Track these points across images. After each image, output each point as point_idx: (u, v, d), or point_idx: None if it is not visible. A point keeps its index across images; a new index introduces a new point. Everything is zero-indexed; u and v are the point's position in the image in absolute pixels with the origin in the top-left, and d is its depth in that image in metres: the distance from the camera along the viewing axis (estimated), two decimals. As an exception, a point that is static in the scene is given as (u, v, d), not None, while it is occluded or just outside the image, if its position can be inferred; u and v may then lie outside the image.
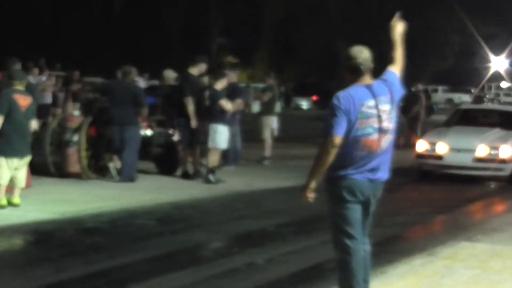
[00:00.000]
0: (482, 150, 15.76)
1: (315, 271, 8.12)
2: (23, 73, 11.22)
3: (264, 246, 9.26)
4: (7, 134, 10.65)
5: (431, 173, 16.53)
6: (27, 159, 10.85)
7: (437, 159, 16.15)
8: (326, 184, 6.06)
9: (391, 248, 9.57)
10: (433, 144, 16.22)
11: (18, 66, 14.10)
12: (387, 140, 5.95)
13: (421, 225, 11.46)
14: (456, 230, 10.80)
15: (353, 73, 5.96)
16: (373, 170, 5.94)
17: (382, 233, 10.38)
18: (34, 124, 10.98)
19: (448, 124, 17.63)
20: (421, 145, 16.46)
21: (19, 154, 10.71)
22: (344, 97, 5.84)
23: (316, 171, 5.98)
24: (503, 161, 15.73)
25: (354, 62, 5.92)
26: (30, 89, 13.49)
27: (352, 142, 5.82)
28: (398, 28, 6.41)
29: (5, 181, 10.65)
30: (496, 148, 15.75)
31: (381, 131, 5.89)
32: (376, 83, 5.99)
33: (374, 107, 5.86)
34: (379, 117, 5.87)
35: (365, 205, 6.09)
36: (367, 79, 5.96)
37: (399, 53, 6.29)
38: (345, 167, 5.88)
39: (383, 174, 6.04)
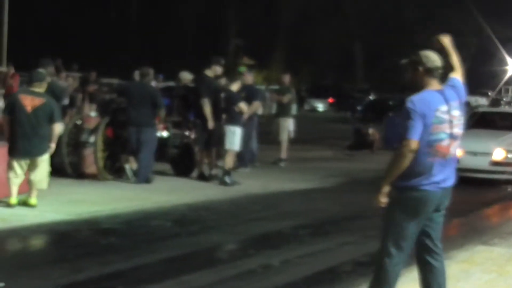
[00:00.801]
0: (498, 154, 15.77)
1: (331, 274, 8.13)
2: (42, 74, 11.19)
3: (280, 248, 9.27)
4: (13, 135, 10.69)
5: None
6: (40, 160, 10.76)
7: None
8: (395, 192, 5.93)
9: (407, 252, 9.55)
10: None
11: (51, 68, 14.22)
12: (455, 146, 5.92)
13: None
14: (473, 233, 10.77)
15: (427, 76, 5.88)
16: (443, 178, 5.88)
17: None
18: (57, 128, 10.90)
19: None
20: None
21: (24, 155, 10.66)
22: (418, 100, 5.76)
23: (391, 176, 5.87)
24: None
25: (434, 65, 5.86)
26: (58, 92, 13.65)
27: (425, 148, 5.75)
28: (444, 39, 6.27)
29: (13, 181, 10.66)
30: None
31: (452, 137, 5.85)
32: (446, 89, 5.94)
33: (446, 113, 5.80)
34: (450, 122, 5.83)
35: (437, 210, 6.02)
36: (437, 84, 5.91)
37: (454, 60, 6.21)
38: (417, 175, 5.80)
39: (451, 181, 5.98)
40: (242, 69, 20.48)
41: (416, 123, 5.69)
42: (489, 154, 15.82)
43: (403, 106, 5.80)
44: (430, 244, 6.10)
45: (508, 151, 15.70)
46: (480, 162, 15.85)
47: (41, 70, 11.45)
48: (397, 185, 5.87)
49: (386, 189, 5.91)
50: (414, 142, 5.69)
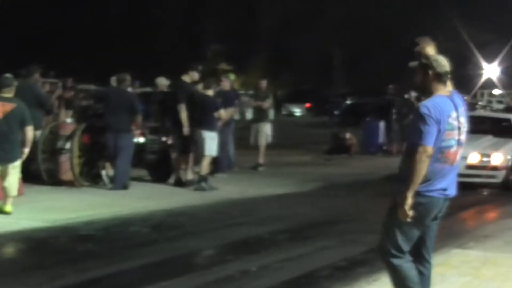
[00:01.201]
0: (474, 157, 15.79)
1: (310, 278, 8.14)
2: (10, 79, 11.13)
3: (258, 253, 9.28)
4: None
5: None
6: (12, 166, 10.68)
7: None
8: (400, 196, 5.78)
9: (384, 255, 9.58)
10: None
11: (37, 75, 14.21)
12: (460, 153, 5.89)
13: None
14: (449, 237, 10.80)
15: (437, 81, 5.81)
16: (448, 185, 5.87)
17: (376, 240, 10.40)
18: (29, 132, 10.84)
19: None
20: None
21: None
22: (433, 106, 5.68)
23: (414, 185, 5.67)
24: (495, 168, 15.79)
25: (443, 70, 5.81)
26: (42, 99, 13.63)
27: (436, 154, 5.69)
28: (428, 48, 6.20)
29: None
30: (488, 155, 15.80)
31: (459, 143, 5.82)
32: (454, 94, 5.89)
33: (456, 119, 5.78)
34: (459, 129, 5.80)
35: (431, 222, 6.03)
36: (445, 90, 5.85)
37: None
38: (424, 181, 5.72)
39: (453, 191, 5.98)
40: (232, 76, 20.38)
41: (432, 129, 5.62)
42: (464, 158, 15.89)
43: (416, 111, 5.72)
44: (424, 252, 6.10)
45: (483, 155, 15.78)
46: None
47: (8, 75, 11.38)
48: (402, 190, 5.76)
49: (410, 200, 5.67)
50: (430, 148, 5.62)
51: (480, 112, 23.55)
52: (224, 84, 16.77)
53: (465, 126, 5.87)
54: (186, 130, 14.25)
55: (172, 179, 14.72)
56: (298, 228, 11.19)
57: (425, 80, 5.85)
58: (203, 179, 14.14)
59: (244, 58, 56.78)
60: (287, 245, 9.90)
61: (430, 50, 6.17)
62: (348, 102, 44.67)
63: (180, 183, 14.48)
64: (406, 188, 5.65)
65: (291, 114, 51.15)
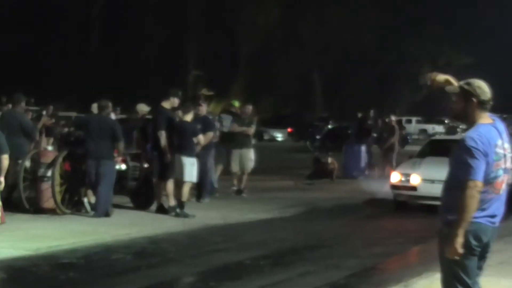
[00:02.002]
0: None
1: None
2: None
3: (240, 279, 9.25)
4: None
5: (405, 203, 16.61)
6: None
7: (411, 190, 16.25)
8: (447, 229, 5.54)
9: (368, 279, 9.60)
10: (407, 175, 16.31)
11: (23, 103, 14.20)
12: (506, 180, 5.62)
13: (397, 256, 11.51)
14: (431, 261, 10.76)
15: (480, 109, 5.57)
16: (496, 213, 5.61)
17: (360, 264, 10.42)
18: (4, 160, 10.77)
19: (421, 155, 17.68)
20: (395, 176, 16.59)
21: None
22: (479, 137, 5.43)
23: (464, 222, 5.38)
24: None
25: (487, 97, 5.57)
26: (28, 129, 13.63)
27: (484, 186, 5.44)
28: (439, 77, 5.96)
29: None
30: None
31: (506, 171, 5.58)
32: (497, 121, 5.65)
33: (501, 147, 5.54)
34: (505, 156, 5.57)
35: (482, 253, 5.68)
36: (488, 117, 5.61)
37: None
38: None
39: (499, 219, 5.68)
40: (236, 103, 20.49)
41: (481, 163, 5.38)
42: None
43: (462, 143, 5.48)
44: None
45: None
46: (437, 190, 15.95)
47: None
48: (447, 220, 5.53)
49: (461, 239, 5.39)
50: (480, 183, 5.37)
51: (459, 136, 23.68)
52: (201, 109, 16.76)
53: (510, 152, 5.63)
54: (167, 156, 14.23)
55: (154, 206, 14.68)
56: (280, 253, 11.17)
57: (467, 108, 5.61)
58: (182, 205, 14.11)
59: (225, 83, 56.97)
60: (269, 271, 9.88)
61: (444, 78, 5.91)
62: (329, 126, 44.86)
63: (162, 210, 14.43)
64: (456, 225, 5.40)
65: (273, 139, 51.22)
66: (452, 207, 5.48)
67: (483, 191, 5.44)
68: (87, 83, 49.56)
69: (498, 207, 5.62)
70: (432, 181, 15.95)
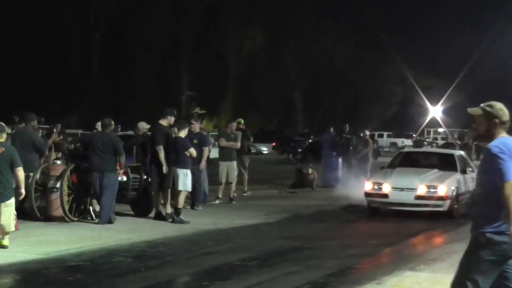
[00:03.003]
0: (422, 189, 15.92)
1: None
2: (1, 126, 11.03)
3: (230, 279, 9.24)
4: None
5: (378, 209, 16.67)
6: (4, 205, 10.50)
7: (383, 197, 16.31)
8: (484, 238, 5.44)
9: (344, 278, 9.60)
10: (379, 184, 16.39)
11: (34, 122, 14.16)
12: None
13: (371, 257, 11.51)
14: (401, 261, 10.87)
15: (501, 127, 5.60)
16: None
17: (338, 264, 10.43)
18: (20, 173, 10.74)
19: (391, 165, 17.73)
20: (369, 185, 16.63)
21: None
22: (501, 144, 5.46)
23: None
24: (440, 198, 15.88)
25: (508, 118, 5.61)
26: (39, 145, 13.58)
27: None
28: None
29: None
30: (435, 187, 15.88)
31: None
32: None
33: None
34: None
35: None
36: (506, 134, 5.61)
37: None
38: (503, 219, 5.38)
39: None
40: (241, 121, 20.84)
41: (509, 164, 5.36)
42: (414, 189, 16.03)
43: (487, 153, 5.48)
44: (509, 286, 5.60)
45: (430, 187, 15.91)
46: (406, 197, 16.06)
47: (0, 122, 11.27)
48: (485, 230, 5.43)
49: None
50: None
51: (427, 149, 23.54)
52: (194, 126, 16.81)
53: None
54: (164, 169, 14.24)
55: (152, 213, 14.66)
56: (266, 255, 11.17)
57: (490, 127, 5.62)
58: (178, 212, 14.12)
59: (215, 102, 57.05)
60: (257, 271, 9.88)
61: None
62: (310, 141, 44.88)
63: (159, 217, 14.42)
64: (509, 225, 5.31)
65: (259, 153, 51.21)
66: (492, 219, 5.38)
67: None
68: (90, 104, 49.47)
69: None
70: (402, 189, 16.03)
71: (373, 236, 13.67)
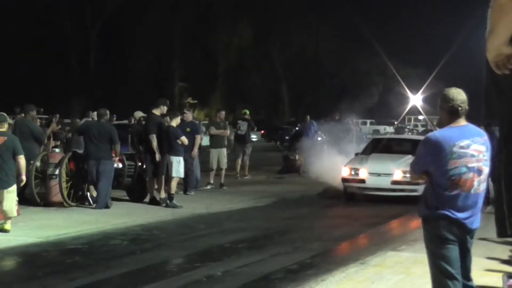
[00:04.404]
0: (398, 174, 15.63)
1: (266, 281, 8.11)
2: (4, 116, 11.00)
3: (221, 260, 9.22)
4: None
5: (354, 195, 16.32)
6: (7, 191, 10.49)
7: (360, 182, 15.99)
8: (424, 224, 5.35)
9: (329, 259, 9.61)
10: (355, 170, 16.07)
11: (33, 112, 14.12)
12: (480, 181, 5.21)
13: (354, 238, 11.53)
14: (384, 242, 10.88)
15: (451, 115, 5.25)
16: (464, 209, 5.18)
17: (323, 246, 10.44)
18: (21, 160, 10.68)
19: (366, 152, 17.35)
20: (346, 171, 16.28)
21: None
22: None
23: None
24: (416, 183, 15.47)
25: (452, 104, 5.22)
26: (37, 134, 13.53)
27: (445, 181, 5.15)
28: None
29: None
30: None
31: (475, 171, 5.16)
32: (470, 125, 5.31)
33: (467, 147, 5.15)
34: (472, 156, 5.16)
35: (462, 243, 5.28)
36: (462, 121, 5.27)
37: None
38: (441, 206, 5.18)
39: (475, 218, 5.27)
40: (247, 111, 21.07)
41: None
42: (390, 174, 15.76)
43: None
44: None
45: (405, 172, 15.43)
46: (382, 182, 15.80)
47: (1, 113, 11.21)
48: (424, 216, 5.37)
49: None
50: None
51: (398, 135, 22.58)
52: (186, 116, 16.78)
53: (484, 155, 5.25)
54: (157, 156, 14.20)
55: (147, 199, 14.63)
56: (255, 238, 11.16)
57: (441, 113, 5.36)
58: (171, 197, 14.10)
59: (206, 93, 57.02)
60: (246, 253, 9.86)
61: None
62: (296, 129, 44.83)
63: (154, 202, 14.38)
64: None
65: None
66: (428, 204, 5.30)
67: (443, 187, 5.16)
68: (87, 95, 49.32)
69: (469, 205, 5.20)
70: (378, 174, 15.86)
71: (355, 218, 13.68)
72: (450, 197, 5.16)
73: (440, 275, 5.25)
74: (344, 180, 16.29)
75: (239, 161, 20.62)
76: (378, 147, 17.70)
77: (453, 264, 5.20)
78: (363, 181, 15.94)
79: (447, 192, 5.16)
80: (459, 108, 5.22)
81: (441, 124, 5.38)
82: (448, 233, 5.18)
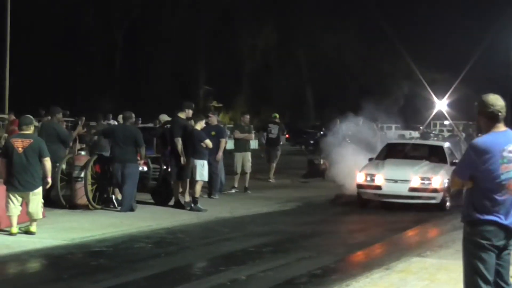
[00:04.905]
0: (415, 181, 15.17)
1: (290, 286, 8.12)
2: (29, 118, 11.12)
3: (245, 264, 9.25)
4: (8, 173, 10.60)
5: (368, 201, 15.76)
6: (32, 194, 10.59)
7: (376, 189, 15.43)
8: (469, 227, 5.33)
9: (353, 264, 9.61)
10: (371, 176, 15.49)
11: (59, 115, 14.24)
12: None
13: (379, 244, 11.49)
14: (408, 247, 10.84)
15: (491, 120, 5.32)
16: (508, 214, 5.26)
17: (347, 251, 10.42)
18: (47, 163, 10.77)
19: (380, 157, 16.71)
20: (361, 177, 15.65)
21: (19, 189, 10.54)
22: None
23: None
24: (435, 190, 15.12)
25: (492, 109, 5.28)
26: (64, 137, 13.65)
27: (495, 186, 5.20)
28: None
29: (12, 212, 10.54)
30: (429, 179, 15.13)
31: None
32: (509, 130, 5.40)
33: None
34: None
35: (505, 248, 5.32)
36: (502, 127, 5.35)
37: None
38: (490, 211, 5.22)
39: None
40: (276, 115, 21.47)
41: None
42: (407, 181, 15.18)
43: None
44: None
45: (424, 178, 15.13)
46: (400, 189, 15.28)
47: (28, 115, 11.34)
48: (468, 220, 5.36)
49: None
50: None
51: (414, 140, 21.33)
52: (211, 119, 16.85)
53: None
54: (182, 159, 14.25)
55: (171, 202, 14.68)
56: (279, 241, 11.17)
57: (480, 118, 5.42)
58: (195, 201, 14.12)
59: (230, 97, 57.12)
60: (271, 257, 9.87)
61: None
62: (321, 132, 44.73)
63: (178, 205, 14.43)
64: None
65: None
66: (473, 207, 5.30)
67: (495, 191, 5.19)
68: (111, 98, 49.64)
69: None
70: (395, 181, 15.37)
71: (379, 224, 13.64)
72: (500, 201, 5.20)
73: (476, 279, 5.25)
74: (360, 186, 15.73)
75: (274, 166, 20.98)
76: (393, 152, 17.10)
77: (490, 270, 5.24)
78: (379, 187, 15.41)
79: (498, 196, 5.20)
80: (499, 114, 5.29)
81: (481, 130, 5.43)
82: (494, 238, 5.21)
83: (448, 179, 14.94)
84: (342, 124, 24.06)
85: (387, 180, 15.35)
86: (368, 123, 24.72)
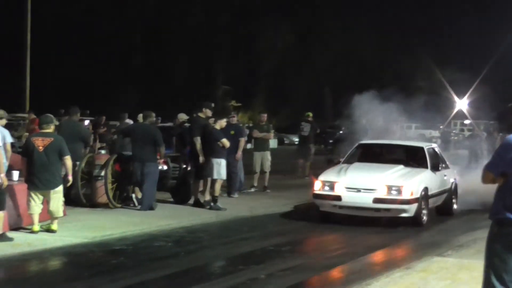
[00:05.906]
0: (382, 190, 12.54)
1: (309, 285, 8.12)
2: (50, 117, 11.19)
3: (264, 263, 9.25)
4: (29, 171, 10.66)
5: (329, 214, 13.04)
6: (53, 192, 10.65)
7: (335, 199, 12.80)
8: (498, 226, 5.25)
9: (374, 263, 9.58)
10: (330, 183, 12.89)
11: (78, 114, 14.34)
12: None
13: (399, 243, 11.45)
14: (429, 247, 10.79)
15: None
16: None
17: (368, 250, 10.40)
18: (68, 161, 10.84)
19: (349, 160, 14.22)
20: (318, 184, 13.04)
21: (40, 187, 10.60)
22: None
23: None
24: (405, 202, 12.47)
25: None
26: (84, 135, 13.74)
27: None
28: None
29: (33, 210, 10.62)
30: (398, 188, 12.51)
31: None
32: None
33: None
34: None
35: None
36: None
37: None
38: None
39: None
40: (310, 114, 21.90)
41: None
42: (373, 190, 12.66)
43: None
44: None
45: (391, 187, 12.64)
46: (363, 199, 12.69)
47: (48, 114, 11.41)
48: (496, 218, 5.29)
49: None
50: None
51: (391, 141, 16.27)
52: (233, 118, 16.89)
53: None
54: (201, 159, 14.28)
55: (191, 201, 14.72)
56: (298, 241, 11.17)
57: None
58: (215, 200, 14.15)
59: (249, 96, 57.22)
60: (289, 256, 9.87)
61: None
62: (340, 132, 44.65)
63: (198, 204, 14.46)
64: None
65: (292, 143, 51.17)
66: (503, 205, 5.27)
67: None
68: (131, 97, 49.86)
69: None
70: (358, 190, 12.77)
71: (400, 223, 13.56)
72: None
73: (495, 279, 5.19)
74: (316, 196, 13.06)
75: (302, 161, 21.48)
76: (365, 155, 14.43)
77: (509, 272, 5.16)
78: (338, 198, 12.72)
79: None
80: None
81: (502, 130, 5.44)
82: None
83: (425, 187, 12.95)
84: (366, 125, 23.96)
85: (348, 189, 12.69)
86: (388, 123, 24.63)
